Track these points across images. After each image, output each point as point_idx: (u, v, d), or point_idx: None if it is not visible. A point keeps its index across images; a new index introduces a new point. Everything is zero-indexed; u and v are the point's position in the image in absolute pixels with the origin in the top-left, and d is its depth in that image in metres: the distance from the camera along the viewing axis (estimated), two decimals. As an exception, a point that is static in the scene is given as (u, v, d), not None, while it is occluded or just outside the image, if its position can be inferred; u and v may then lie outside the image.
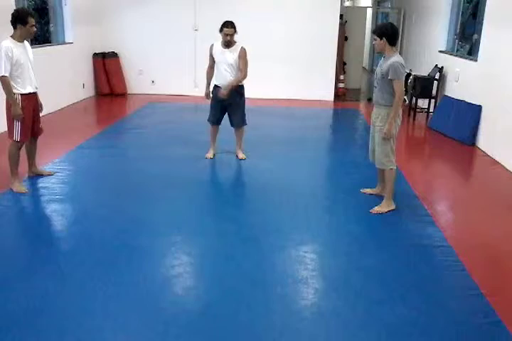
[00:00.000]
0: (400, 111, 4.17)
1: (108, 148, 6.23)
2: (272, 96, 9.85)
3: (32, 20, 4.32)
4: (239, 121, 5.60)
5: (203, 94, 5.64)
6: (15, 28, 4.32)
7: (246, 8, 9.64)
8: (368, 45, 13.46)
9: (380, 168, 4.36)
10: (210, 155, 5.70)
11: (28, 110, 4.46)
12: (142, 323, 2.71)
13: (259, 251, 3.57)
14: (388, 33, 4.05)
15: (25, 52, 4.42)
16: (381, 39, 4.05)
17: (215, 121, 5.63)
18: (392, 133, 4.15)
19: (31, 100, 4.51)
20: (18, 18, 4.29)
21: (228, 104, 5.48)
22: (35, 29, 4.42)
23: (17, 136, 4.46)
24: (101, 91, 9.90)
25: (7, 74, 4.24)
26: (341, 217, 4.25)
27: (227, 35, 5.17)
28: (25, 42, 4.46)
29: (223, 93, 5.31)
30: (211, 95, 5.53)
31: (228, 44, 5.24)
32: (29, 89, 4.46)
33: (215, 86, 5.46)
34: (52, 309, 2.81)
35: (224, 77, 5.33)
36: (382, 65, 4.10)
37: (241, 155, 5.72)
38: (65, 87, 8.64)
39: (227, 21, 5.21)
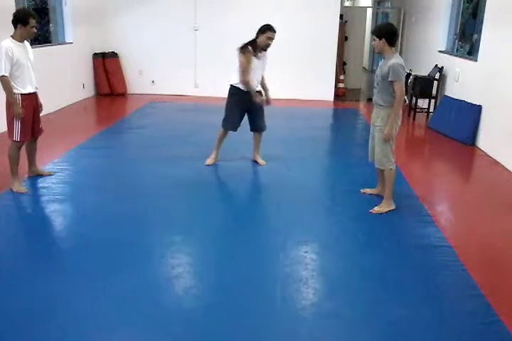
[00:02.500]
0: (400, 112, 4.17)
1: (108, 148, 6.23)
2: (272, 96, 9.81)
3: (33, 22, 4.32)
4: (263, 125, 5.40)
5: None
6: (15, 27, 4.32)
7: (246, 8, 9.65)
8: (368, 45, 13.45)
9: (379, 168, 4.36)
10: (210, 161, 5.48)
11: (28, 110, 4.46)
12: (142, 323, 2.70)
13: (259, 251, 3.57)
14: (387, 33, 4.04)
15: (26, 52, 4.42)
16: (380, 39, 4.04)
17: (236, 127, 5.35)
18: (392, 134, 4.16)
19: (31, 100, 4.51)
20: (19, 18, 4.29)
21: (253, 108, 5.24)
22: (36, 30, 4.42)
23: (17, 136, 4.46)
24: (101, 92, 9.90)
25: (7, 74, 4.24)
26: (341, 217, 4.25)
27: (270, 39, 4.96)
28: (26, 42, 4.46)
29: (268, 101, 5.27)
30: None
31: (266, 49, 5.05)
32: (29, 89, 4.46)
33: (238, 88, 5.14)
34: (52, 309, 2.81)
35: (256, 82, 5.13)
36: (382, 66, 4.10)
37: (261, 161, 5.51)
38: (65, 87, 8.64)
39: (270, 25, 4.96)
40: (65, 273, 3.22)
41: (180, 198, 4.58)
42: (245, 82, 5.02)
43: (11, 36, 4.33)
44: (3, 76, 4.23)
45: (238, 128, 5.39)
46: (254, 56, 5.01)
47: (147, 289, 3.03)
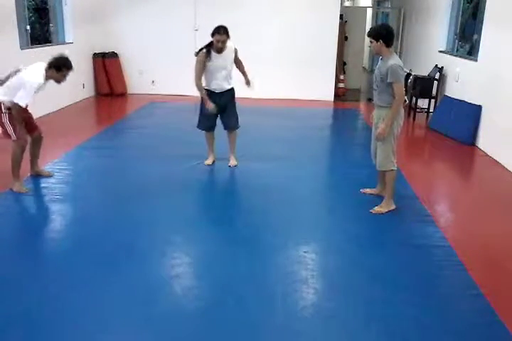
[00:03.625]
0: (402, 111, 4.17)
1: (108, 148, 6.23)
2: (272, 96, 9.85)
3: (66, 72, 4.52)
4: (234, 123, 5.41)
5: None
6: (49, 67, 4.45)
7: (246, 8, 9.64)
8: (367, 45, 13.47)
9: (381, 170, 4.34)
10: (209, 161, 5.53)
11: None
12: (141, 324, 2.71)
13: (259, 251, 3.57)
14: (384, 35, 4.02)
15: (44, 86, 4.57)
16: (377, 41, 4.03)
17: (210, 127, 5.43)
18: (386, 133, 4.13)
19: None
20: (54, 64, 4.46)
21: (223, 107, 5.28)
22: (64, 80, 4.60)
23: (14, 136, 4.48)
24: (101, 92, 9.90)
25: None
26: (341, 217, 4.25)
27: (218, 41, 4.93)
28: None
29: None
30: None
31: (220, 50, 5.02)
32: None
33: (209, 91, 5.21)
34: (52, 309, 2.81)
35: (220, 82, 5.17)
36: (381, 68, 4.09)
37: (233, 162, 5.47)
38: (65, 87, 8.56)
39: (219, 26, 4.95)
40: (64, 273, 3.21)
41: (180, 198, 4.57)
42: (196, 84, 5.16)
43: (45, 70, 4.44)
44: (21, 107, 4.35)
45: (215, 128, 5.46)
46: (208, 58, 5.04)
47: (147, 289, 3.03)
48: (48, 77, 4.47)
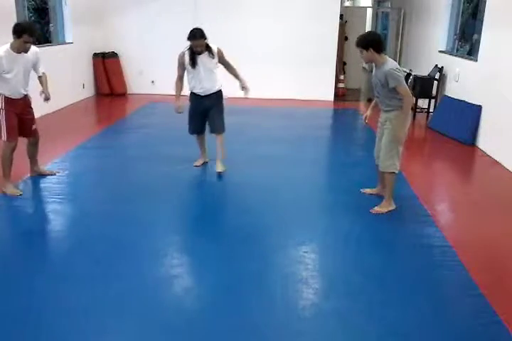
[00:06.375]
0: (409, 114, 4.16)
1: (108, 148, 6.24)
2: (272, 96, 9.85)
3: (27, 38, 4.23)
4: (219, 127, 5.20)
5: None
6: (14, 38, 4.28)
7: (246, 8, 9.65)
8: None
9: (382, 171, 4.33)
10: (197, 163, 5.46)
11: (11, 112, 4.44)
12: (141, 323, 2.70)
13: (259, 252, 3.57)
14: (373, 42, 3.94)
15: (20, 61, 4.38)
16: (368, 50, 3.94)
17: (199, 130, 5.35)
18: (400, 136, 4.13)
19: (15, 103, 4.47)
20: (14, 31, 4.25)
21: (209, 109, 5.17)
22: (29, 45, 4.32)
23: (4, 136, 4.45)
24: (101, 92, 9.90)
25: None
26: (341, 217, 4.25)
27: (196, 46, 4.87)
28: (28, 52, 4.40)
29: (246, 87, 5.17)
30: (180, 108, 5.21)
31: (200, 52, 4.94)
32: (15, 95, 4.45)
33: (193, 94, 5.18)
34: (52, 309, 2.81)
35: (203, 83, 5.07)
36: (378, 75, 4.03)
37: (219, 168, 5.17)
38: (65, 87, 8.63)
39: (194, 30, 4.83)
40: (64, 274, 3.21)
41: (180, 198, 4.58)
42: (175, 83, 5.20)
43: (10, 44, 4.30)
44: None
45: (204, 131, 5.38)
46: (186, 59, 4.99)
47: (147, 289, 3.03)
48: (15, 48, 4.29)
